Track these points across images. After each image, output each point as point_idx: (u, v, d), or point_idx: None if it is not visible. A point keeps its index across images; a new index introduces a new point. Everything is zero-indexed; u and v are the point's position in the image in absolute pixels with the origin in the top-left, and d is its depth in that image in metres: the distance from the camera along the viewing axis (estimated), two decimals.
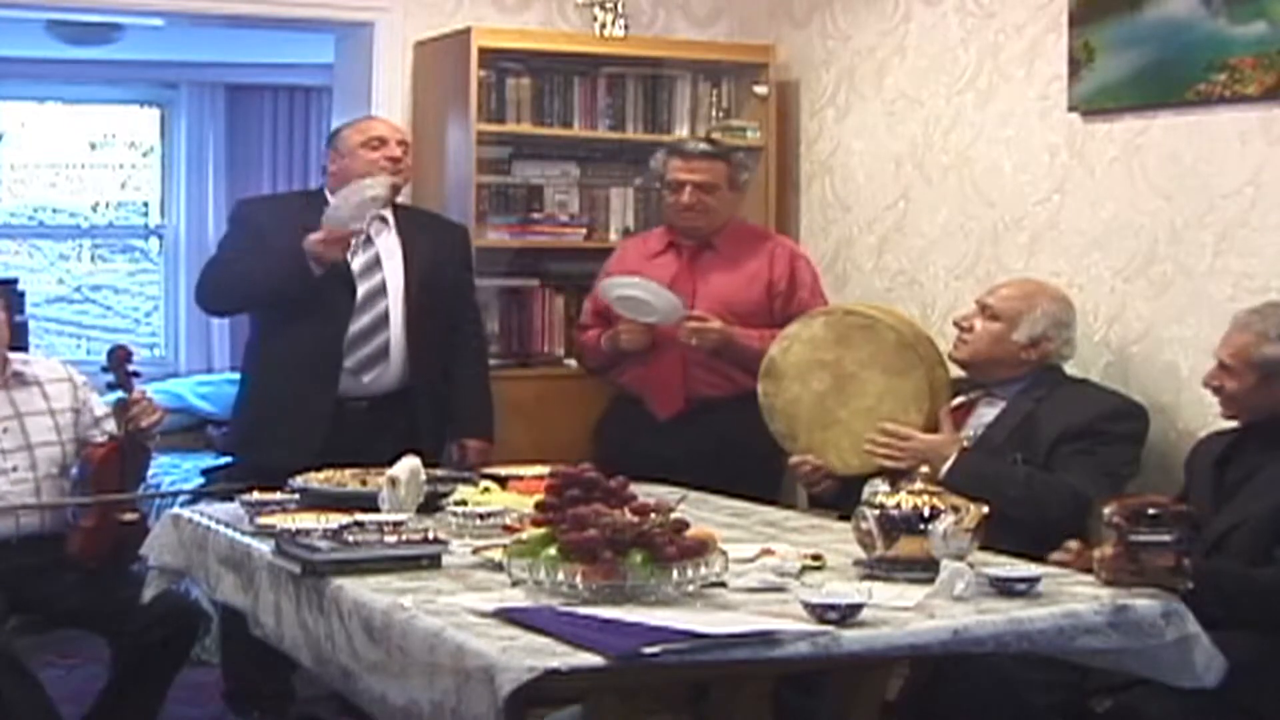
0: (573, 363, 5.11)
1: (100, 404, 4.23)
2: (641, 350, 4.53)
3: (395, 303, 4.37)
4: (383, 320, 4.35)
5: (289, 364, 4.31)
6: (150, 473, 5.77)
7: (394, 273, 4.40)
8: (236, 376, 4.77)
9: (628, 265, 4.65)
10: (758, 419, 4.15)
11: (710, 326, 4.43)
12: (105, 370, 4.07)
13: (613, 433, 4.67)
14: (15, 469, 4.02)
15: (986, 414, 3.89)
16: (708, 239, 4.62)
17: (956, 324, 4.01)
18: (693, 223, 4.59)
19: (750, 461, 4.35)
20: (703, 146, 4.64)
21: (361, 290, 4.34)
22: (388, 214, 4.45)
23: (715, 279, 4.57)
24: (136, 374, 4.12)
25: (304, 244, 4.21)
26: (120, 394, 4.07)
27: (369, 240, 4.38)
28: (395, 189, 4.45)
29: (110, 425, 4.12)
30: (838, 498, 3.98)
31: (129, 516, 4.05)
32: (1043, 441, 3.74)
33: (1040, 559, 3.10)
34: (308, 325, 4.28)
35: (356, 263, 4.35)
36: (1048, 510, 3.57)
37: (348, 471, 3.66)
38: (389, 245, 4.42)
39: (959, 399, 3.94)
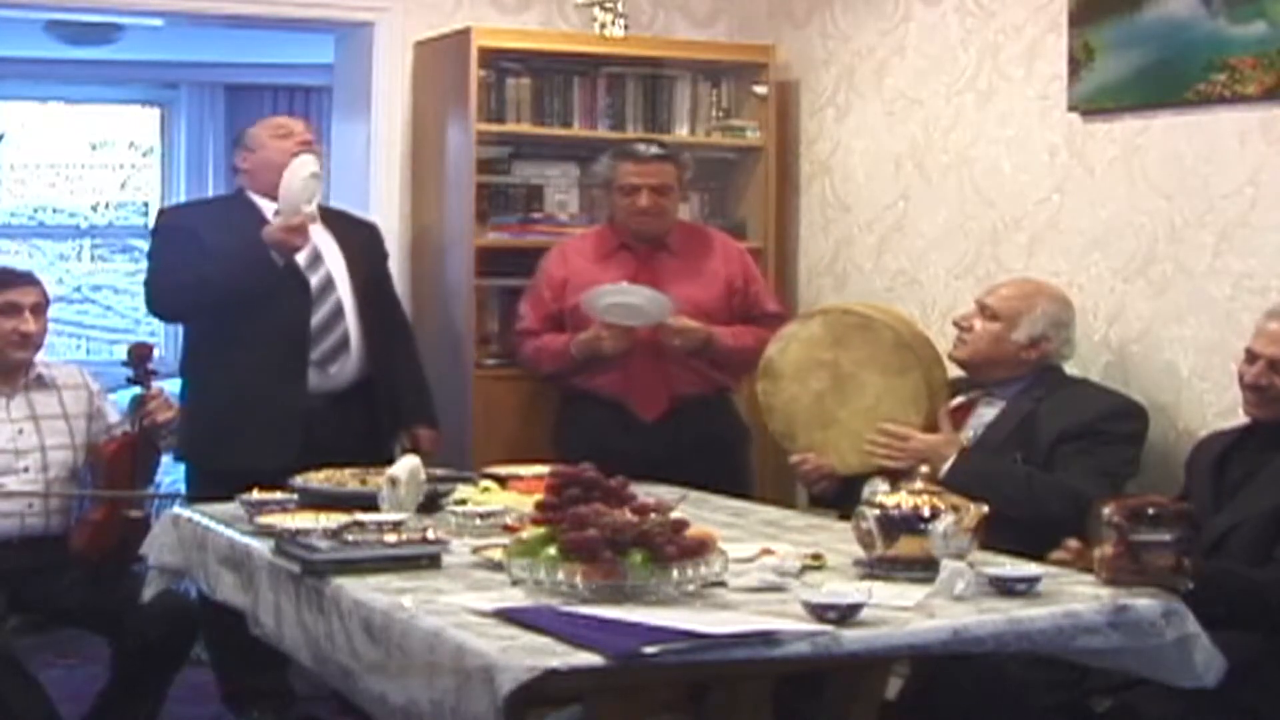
0: None
1: (114, 411, 4.26)
2: (622, 354, 4.52)
3: (345, 293, 4.41)
4: (338, 311, 4.38)
5: (252, 362, 4.28)
6: None
7: (336, 265, 4.43)
8: None
9: (574, 268, 4.61)
10: (731, 415, 4.18)
11: (693, 326, 4.44)
12: (125, 365, 4.12)
13: (581, 436, 4.55)
14: (27, 469, 4.06)
15: (986, 414, 3.89)
16: (661, 240, 4.62)
17: (956, 323, 4.01)
18: (648, 225, 4.59)
19: (724, 457, 4.38)
20: (654, 150, 4.62)
21: (313, 282, 4.36)
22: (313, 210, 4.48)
23: (677, 279, 4.57)
24: (154, 372, 4.15)
25: (264, 234, 4.23)
26: (138, 389, 4.09)
27: None
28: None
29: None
30: (838, 497, 3.98)
31: (134, 514, 4.07)
32: (1042, 442, 3.73)
33: (1040, 559, 3.10)
34: (267, 320, 4.27)
35: (300, 257, 4.36)
36: (1048, 510, 3.57)
37: (348, 471, 3.66)
38: (324, 240, 4.45)
39: (958, 399, 3.94)
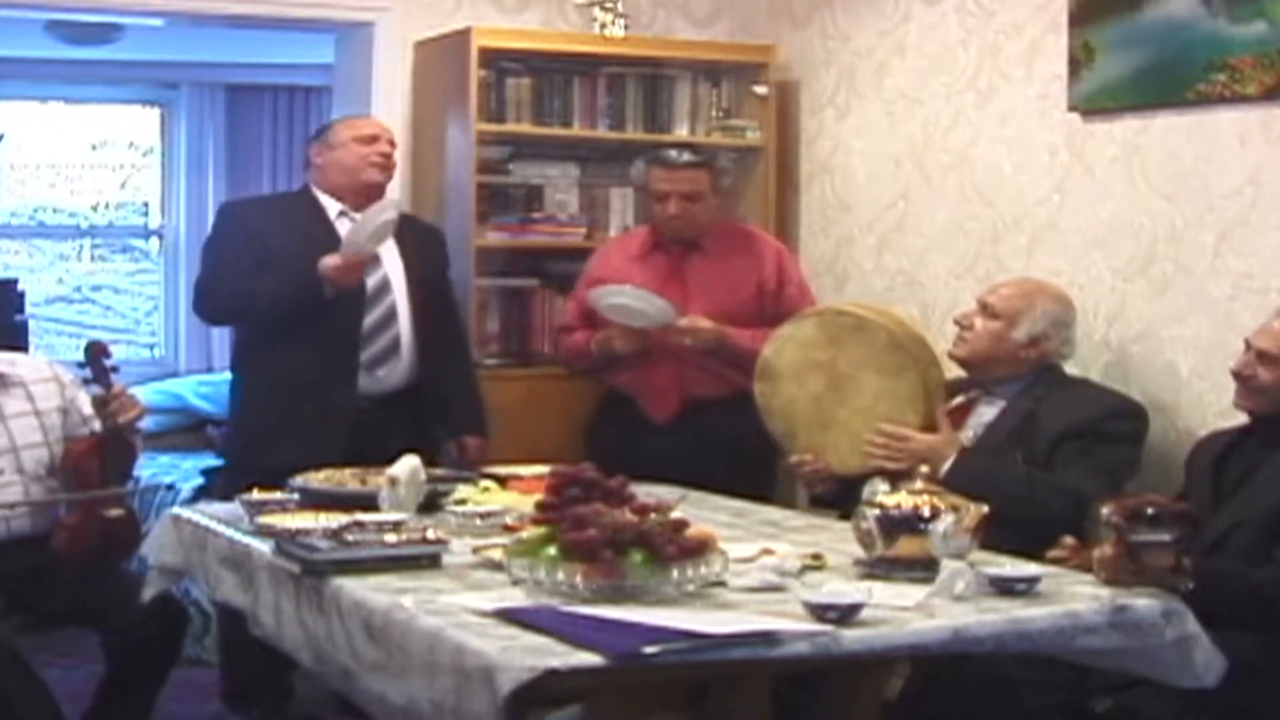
0: None
1: (88, 403, 4.19)
2: (635, 354, 4.53)
3: (401, 297, 4.40)
4: (392, 315, 4.38)
5: (303, 362, 4.28)
6: (149, 472, 5.76)
7: (394, 268, 4.42)
8: None
9: (611, 266, 4.63)
10: (753, 418, 4.15)
11: (704, 327, 4.43)
12: (82, 366, 4.02)
13: (606, 433, 4.65)
14: (2, 472, 3.98)
15: (986, 413, 3.89)
16: (695, 241, 4.62)
17: (957, 322, 4.01)
18: (680, 231, 4.59)
19: (746, 460, 4.35)
20: (685, 156, 4.61)
21: (369, 285, 4.35)
22: None
23: (705, 280, 4.57)
24: (114, 369, 4.05)
25: (320, 267, 4.20)
26: (98, 390, 4.01)
27: None
28: (380, 186, 4.46)
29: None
30: (838, 498, 3.98)
31: (114, 513, 4.00)
32: (1042, 441, 3.73)
33: (1040, 559, 3.10)
34: (320, 322, 4.26)
35: None
36: (1047, 510, 3.57)
37: (347, 471, 3.66)
38: (384, 243, 4.43)
39: (958, 398, 3.94)
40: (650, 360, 4.52)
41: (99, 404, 4.00)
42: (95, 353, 4.02)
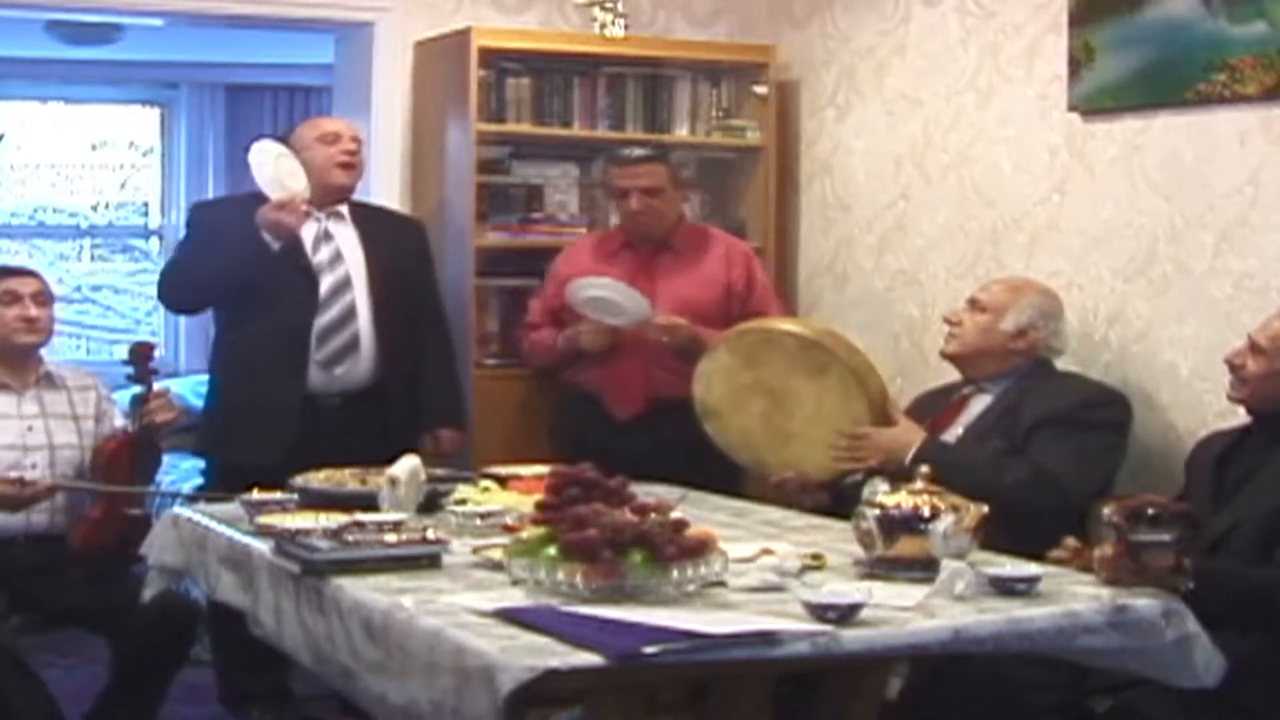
0: None
1: (120, 417, 4.26)
2: (602, 350, 4.53)
3: (361, 295, 4.39)
4: (351, 313, 4.37)
5: (256, 359, 4.32)
6: None
7: (357, 266, 4.42)
8: None
9: (580, 266, 4.63)
10: None
11: (680, 324, 4.44)
12: (127, 364, 4.12)
13: (569, 432, 4.65)
14: (35, 466, 4.05)
15: (977, 408, 3.89)
16: (664, 239, 4.63)
17: (946, 320, 4.02)
18: (645, 226, 4.62)
19: (709, 460, 4.36)
20: (639, 152, 4.67)
21: (326, 283, 4.36)
22: (344, 210, 4.47)
23: (674, 279, 4.59)
24: (156, 371, 4.17)
25: (256, 218, 4.25)
26: (139, 388, 4.10)
27: (328, 235, 4.41)
28: (348, 188, 4.49)
29: None
30: (829, 508, 3.94)
31: (134, 512, 4.06)
32: (1021, 427, 3.73)
33: (1040, 559, 3.10)
34: (272, 319, 4.29)
35: (319, 256, 4.37)
36: (1007, 479, 3.55)
37: (347, 471, 3.65)
38: (349, 240, 4.45)
39: (953, 397, 3.95)
40: (617, 357, 4.53)
41: (138, 403, 4.06)
42: (140, 353, 4.15)
